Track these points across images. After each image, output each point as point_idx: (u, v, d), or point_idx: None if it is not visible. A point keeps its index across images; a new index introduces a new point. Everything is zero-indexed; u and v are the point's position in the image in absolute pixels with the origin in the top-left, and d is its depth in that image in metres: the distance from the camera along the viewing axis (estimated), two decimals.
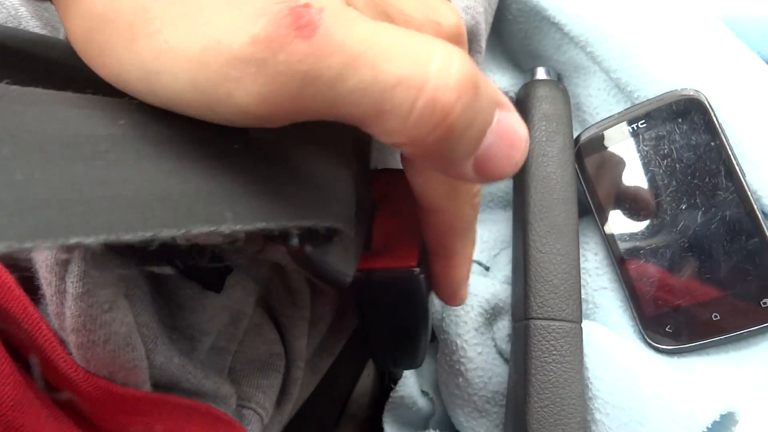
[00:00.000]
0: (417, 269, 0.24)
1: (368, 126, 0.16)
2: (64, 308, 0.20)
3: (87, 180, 0.14)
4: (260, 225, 0.16)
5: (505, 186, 0.41)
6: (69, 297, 0.19)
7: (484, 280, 0.37)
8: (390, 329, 0.29)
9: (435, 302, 0.39)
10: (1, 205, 0.12)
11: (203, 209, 0.15)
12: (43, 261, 0.20)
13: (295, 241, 0.19)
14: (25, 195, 0.13)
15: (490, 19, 0.36)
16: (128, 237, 0.13)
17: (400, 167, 0.23)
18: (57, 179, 0.13)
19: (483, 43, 0.34)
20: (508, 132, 0.17)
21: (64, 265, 0.19)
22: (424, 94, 0.15)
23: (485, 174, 0.17)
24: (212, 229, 0.15)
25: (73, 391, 0.21)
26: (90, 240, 0.13)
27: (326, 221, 0.19)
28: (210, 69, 0.14)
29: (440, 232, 0.24)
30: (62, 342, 0.21)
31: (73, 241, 0.13)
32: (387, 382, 0.38)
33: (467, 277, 0.26)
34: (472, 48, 0.33)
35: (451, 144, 0.16)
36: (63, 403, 0.22)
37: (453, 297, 0.26)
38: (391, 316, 0.28)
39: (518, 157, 0.17)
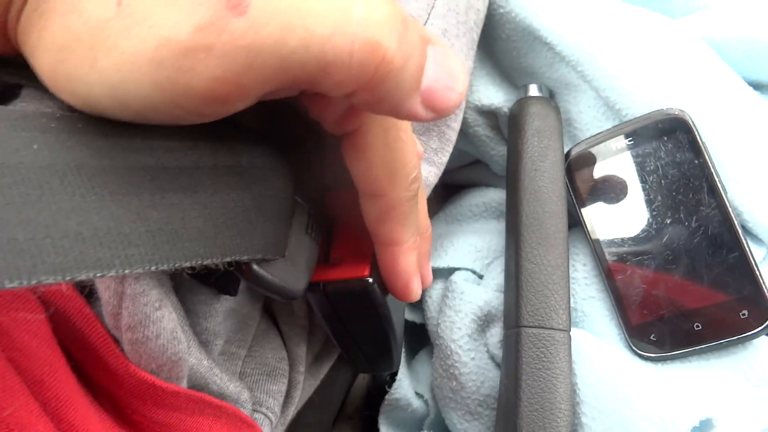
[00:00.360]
0: (369, 279, 0.26)
1: (319, 83, 0.17)
2: (121, 308, 0.22)
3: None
4: (163, 267, 0.17)
5: (498, 198, 0.42)
6: (127, 297, 0.21)
7: (477, 288, 0.38)
8: (355, 336, 0.30)
9: (430, 308, 0.40)
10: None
11: (93, 253, 0.15)
12: None
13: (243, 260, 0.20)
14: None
15: (476, 37, 0.37)
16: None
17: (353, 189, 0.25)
18: None
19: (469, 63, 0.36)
20: (446, 64, 0.18)
21: None
22: (358, 37, 0.16)
23: (434, 107, 0.18)
24: (96, 274, 0.15)
25: (119, 386, 0.23)
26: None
27: (246, 255, 0.20)
28: (166, 66, 0.15)
29: (383, 218, 0.25)
30: (115, 340, 0.23)
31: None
32: (382, 384, 0.39)
33: (416, 271, 0.27)
34: None
35: (396, 81, 0.17)
36: (104, 400, 0.24)
37: (405, 290, 0.27)
38: (353, 324, 0.29)
39: (460, 86, 0.19)
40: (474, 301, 0.37)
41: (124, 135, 0.18)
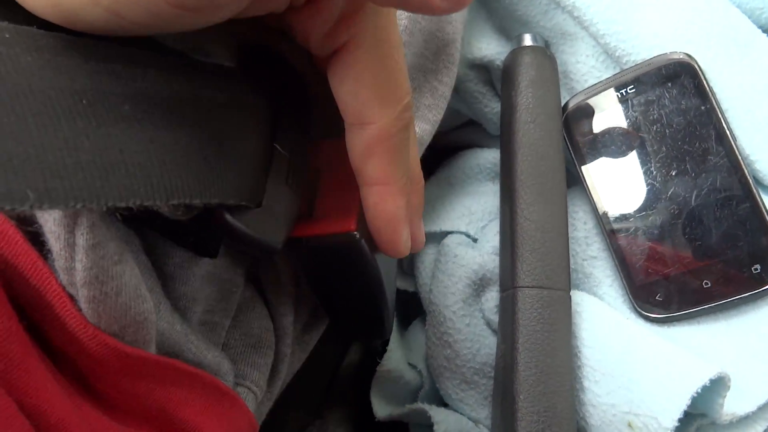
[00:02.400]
0: (356, 233, 0.23)
1: None
2: (75, 261, 0.19)
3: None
4: (91, 204, 0.15)
5: (492, 158, 0.40)
6: (80, 249, 0.19)
7: (472, 251, 0.36)
8: (342, 297, 0.28)
9: (422, 274, 0.38)
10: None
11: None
12: (50, 215, 0.19)
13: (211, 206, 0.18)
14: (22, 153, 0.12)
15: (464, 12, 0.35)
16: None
17: (342, 137, 0.23)
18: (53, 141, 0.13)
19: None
20: None
21: (74, 217, 0.19)
22: None
23: None
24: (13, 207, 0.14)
25: (79, 351, 0.21)
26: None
27: (199, 198, 0.18)
28: None
29: (369, 151, 0.22)
30: (71, 298, 0.20)
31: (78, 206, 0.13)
32: (374, 357, 0.37)
33: (405, 219, 0.24)
34: (434, 17, 0.32)
35: None
36: (65, 367, 0.22)
37: (392, 239, 0.24)
38: (339, 283, 0.27)
39: None
40: (468, 264, 0.35)
41: (59, 53, 0.16)
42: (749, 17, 0.34)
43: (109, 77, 0.17)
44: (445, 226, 0.38)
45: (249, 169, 0.21)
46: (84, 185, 0.15)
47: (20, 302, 0.21)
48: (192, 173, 0.18)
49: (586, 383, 0.30)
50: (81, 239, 0.19)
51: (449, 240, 0.37)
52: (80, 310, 0.21)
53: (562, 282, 0.31)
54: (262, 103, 0.23)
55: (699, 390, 0.26)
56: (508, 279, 0.31)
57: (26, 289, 0.20)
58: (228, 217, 0.20)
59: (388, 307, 0.29)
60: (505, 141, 0.34)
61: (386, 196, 0.23)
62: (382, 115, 0.21)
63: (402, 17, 0.31)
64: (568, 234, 0.32)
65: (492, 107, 0.39)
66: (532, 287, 0.30)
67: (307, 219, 0.25)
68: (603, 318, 0.31)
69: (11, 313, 0.20)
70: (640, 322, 0.33)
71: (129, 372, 0.22)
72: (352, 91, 0.21)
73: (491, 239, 0.37)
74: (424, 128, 0.33)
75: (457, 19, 0.34)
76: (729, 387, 0.27)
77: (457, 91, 0.39)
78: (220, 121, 0.20)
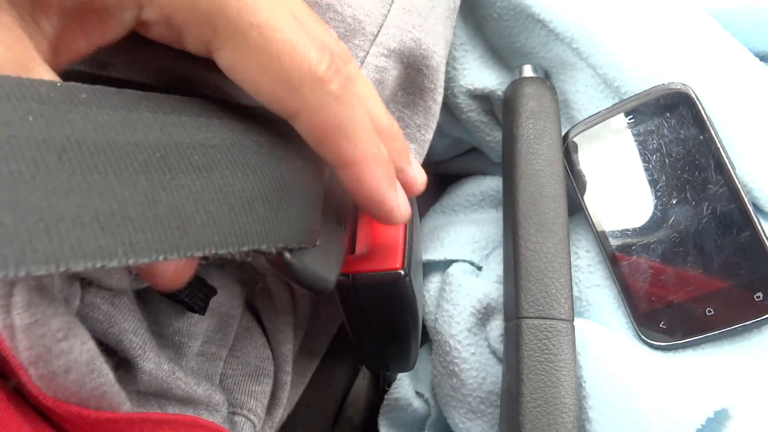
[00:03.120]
0: (402, 271, 0.24)
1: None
2: (15, 341, 0.19)
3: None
4: (172, 256, 0.15)
5: (495, 185, 0.40)
6: (18, 330, 0.18)
7: (476, 280, 0.36)
8: (378, 332, 0.29)
9: (428, 303, 0.39)
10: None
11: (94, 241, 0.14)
12: None
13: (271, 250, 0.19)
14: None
15: (453, 5, 0.34)
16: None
17: None
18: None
19: (442, 28, 0.33)
20: None
21: (7, 297, 0.18)
22: None
23: None
24: (103, 264, 0.14)
25: (50, 412, 0.20)
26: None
27: (266, 243, 0.18)
28: None
29: (316, 138, 0.20)
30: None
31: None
32: (382, 384, 0.38)
33: (390, 184, 0.22)
34: (427, 31, 0.31)
35: None
36: (46, 419, 0.22)
37: (385, 212, 0.22)
38: (378, 319, 0.27)
39: None
40: (472, 293, 0.35)
41: (132, 108, 0.16)
42: (745, 45, 0.34)
43: (177, 129, 0.17)
44: (450, 255, 0.39)
45: (308, 210, 0.21)
46: (164, 237, 0.15)
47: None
48: (259, 219, 0.18)
49: (591, 414, 0.30)
50: (17, 319, 0.19)
51: (454, 269, 0.38)
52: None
53: (565, 312, 0.31)
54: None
55: (703, 423, 0.26)
56: (512, 309, 0.32)
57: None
58: (288, 257, 0.20)
59: (417, 341, 0.30)
60: (507, 172, 0.34)
61: (360, 174, 0.21)
62: (300, 101, 0.19)
63: (391, 20, 0.29)
64: (570, 263, 0.33)
65: (494, 136, 0.40)
66: (535, 318, 0.31)
67: (350, 255, 0.25)
68: (607, 348, 0.31)
69: None
70: (645, 349, 0.33)
71: (103, 430, 0.22)
72: (252, 90, 0.19)
73: (495, 267, 0.37)
74: (413, 148, 0.33)
75: (448, 35, 0.34)
76: (732, 418, 0.27)
77: (459, 120, 0.40)
78: (280, 164, 0.20)
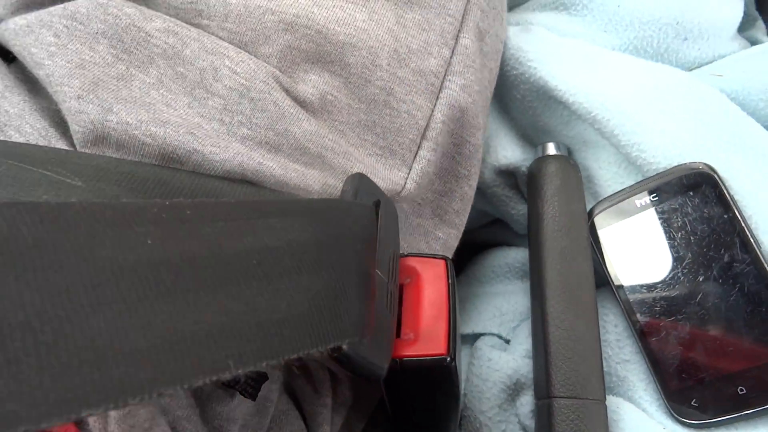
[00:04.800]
0: (448, 357, 0.24)
1: None
2: (108, 430, 0.20)
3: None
4: (272, 361, 0.15)
5: (521, 257, 0.41)
6: (111, 420, 0.20)
7: (505, 355, 0.37)
8: (420, 414, 0.29)
9: None
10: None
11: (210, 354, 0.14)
12: None
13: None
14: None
15: (489, 95, 0.37)
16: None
17: (425, 252, 0.23)
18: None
19: (481, 119, 0.35)
20: None
21: None
22: None
23: None
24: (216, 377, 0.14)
25: None
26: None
27: (340, 339, 0.19)
28: None
29: None
30: None
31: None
32: None
33: None
34: (465, 123, 0.33)
35: None
36: None
37: None
38: (421, 402, 0.28)
39: None
40: (502, 369, 0.36)
41: (229, 218, 0.17)
42: (763, 125, 0.35)
43: (269, 232, 0.17)
44: (477, 328, 0.39)
45: (365, 301, 0.22)
46: (266, 344, 0.15)
47: None
48: (336, 316, 0.18)
49: None
50: (113, 411, 0.19)
51: (481, 342, 0.38)
52: None
53: (597, 391, 0.31)
54: (367, 233, 0.23)
55: None
56: (543, 388, 0.32)
57: None
58: (347, 349, 0.20)
59: (457, 421, 0.30)
60: (534, 250, 0.35)
61: None
62: None
63: (437, 114, 0.32)
64: (600, 340, 0.33)
65: (518, 209, 0.41)
66: (567, 398, 0.31)
67: (397, 339, 0.25)
68: (640, 428, 0.31)
69: None
70: (678, 427, 0.33)
71: None
72: None
73: (523, 341, 0.37)
74: (451, 233, 0.35)
75: (484, 125, 0.36)
76: None
77: (484, 194, 0.41)
78: (340, 259, 0.20)
